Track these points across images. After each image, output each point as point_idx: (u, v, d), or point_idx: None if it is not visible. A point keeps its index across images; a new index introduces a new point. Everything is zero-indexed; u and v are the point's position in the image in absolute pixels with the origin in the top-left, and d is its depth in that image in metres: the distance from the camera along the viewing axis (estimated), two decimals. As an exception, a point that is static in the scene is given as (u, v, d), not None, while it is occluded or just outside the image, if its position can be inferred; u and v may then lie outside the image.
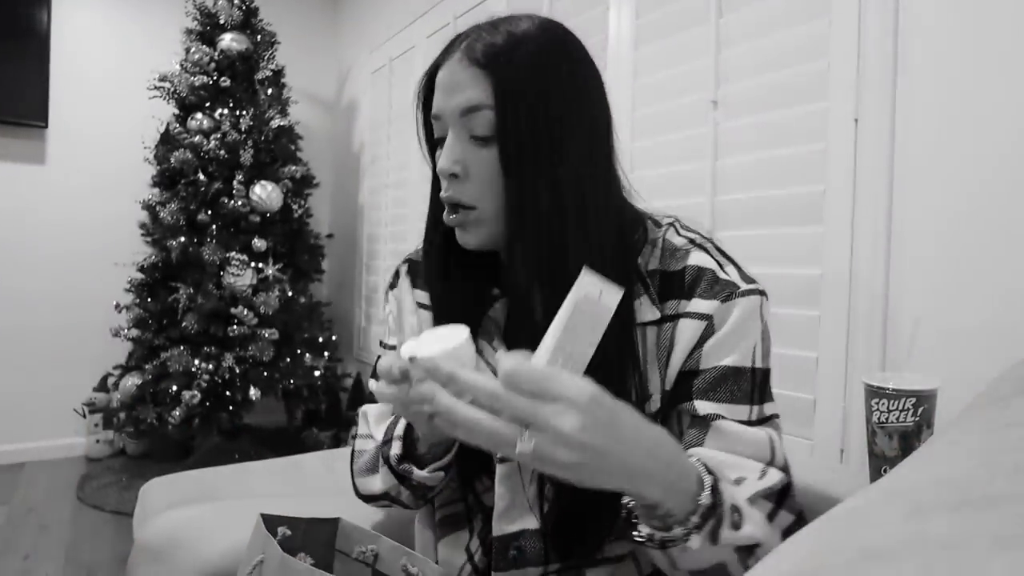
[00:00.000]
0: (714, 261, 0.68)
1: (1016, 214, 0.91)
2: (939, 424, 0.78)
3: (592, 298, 0.50)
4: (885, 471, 0.79)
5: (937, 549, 0.21)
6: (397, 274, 0.85)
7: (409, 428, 0.71)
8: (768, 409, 0.65)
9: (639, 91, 1.52)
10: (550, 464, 0.45)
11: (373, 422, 0.80)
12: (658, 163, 1.47)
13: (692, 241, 0.70)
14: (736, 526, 0.53)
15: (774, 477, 0.61)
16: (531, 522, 0.69)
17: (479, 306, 0.73)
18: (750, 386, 0.64)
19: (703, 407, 0.63)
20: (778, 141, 1.23)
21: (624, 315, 0.63)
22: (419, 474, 0.69)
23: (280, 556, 0.64)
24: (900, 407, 0.76)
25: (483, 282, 0.74)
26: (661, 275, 0.67)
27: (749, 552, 0.55)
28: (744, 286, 0.66)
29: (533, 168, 0.62)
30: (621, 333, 0.63)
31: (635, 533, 0.54)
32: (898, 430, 0.77)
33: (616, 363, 0.63)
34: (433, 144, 0.71)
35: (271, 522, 0.71)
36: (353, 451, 0.81)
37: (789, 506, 0.60)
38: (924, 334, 1.01)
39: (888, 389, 0.77)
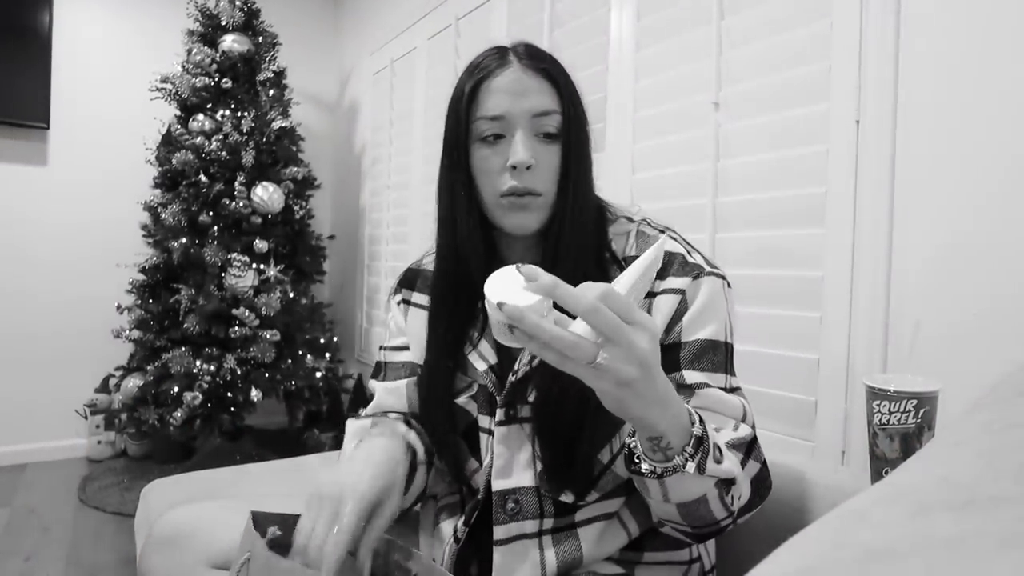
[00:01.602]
0: (683, 248, 0.79)
1: (1017, 216, 0.91)
2: (940, 426, 0.78)
3: (659, 258, 0.62)
4: (886, 473, 0.79)
5: (942, 549, 0.21)
6: (399, 286, 0.95)
7: None
8: (735, 381, 0.76)
9: (640, 92, 1.52)
10: (612, 377, 0.52)
11: (349, 438, 0.88)
12: (659, 164, 1.47)
13: (663, 232, 0.82)
14: (718, 460, 0.62)
15: (744, 431, 0.71)
16: (526, 479, 0.77)
17: (471, 306, 0.82)
18: (724, 358, 0.75)
19: (691, 376, 0.72)
20: (780, 143, 1.23)
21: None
22: None
23: (265, 555, 0.64)
24: (901, 409, 0.76)
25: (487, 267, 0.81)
26: None
27: (727, 487, 0.64)
28: (708, 269, 0.77)
29: (584, 164, 0.78)
30: None
31: (636, 466, 0.62)
32: (899, 432, 0.77)
33: None
34: (468, 143, 0.78)
35: (261, 521, 0.71)
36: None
37: (756, 456, 0.71)
38: (925, 336, 1.01)
39: (889, 391, 0.77)
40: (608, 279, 0.72)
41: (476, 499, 0.81)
